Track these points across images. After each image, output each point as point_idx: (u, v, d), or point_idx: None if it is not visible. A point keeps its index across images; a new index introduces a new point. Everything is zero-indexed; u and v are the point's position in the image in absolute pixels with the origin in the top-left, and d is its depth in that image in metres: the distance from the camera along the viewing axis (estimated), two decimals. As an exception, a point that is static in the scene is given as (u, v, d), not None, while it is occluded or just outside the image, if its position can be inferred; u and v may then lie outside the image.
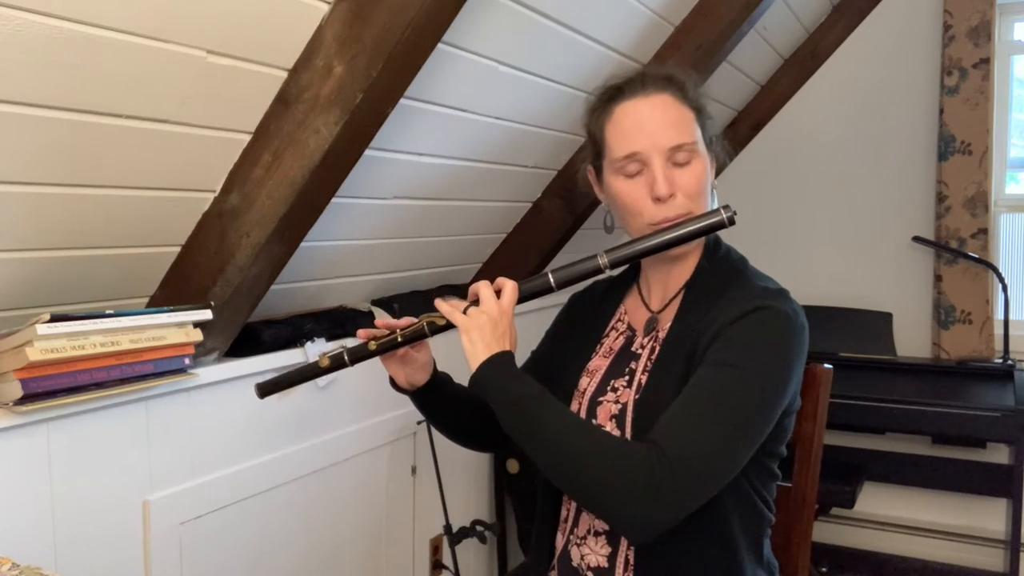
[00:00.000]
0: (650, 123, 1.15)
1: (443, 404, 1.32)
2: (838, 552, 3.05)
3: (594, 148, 1.24)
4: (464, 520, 2.40)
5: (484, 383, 1.11)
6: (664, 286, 1.24)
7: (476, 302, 1.15)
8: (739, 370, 1.07)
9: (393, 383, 1.29)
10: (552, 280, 1.14)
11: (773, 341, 1.09)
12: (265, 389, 1.26)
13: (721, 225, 1.12)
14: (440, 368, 1.32)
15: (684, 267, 1.22)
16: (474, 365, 1.11)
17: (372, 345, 1.19)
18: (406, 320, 1.21)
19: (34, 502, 1.31)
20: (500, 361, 1.10)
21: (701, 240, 1.22)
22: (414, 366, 1.26)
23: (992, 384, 2.67)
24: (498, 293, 1.14)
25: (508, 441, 1.33)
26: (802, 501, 1.41)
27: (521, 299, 1.16)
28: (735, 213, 1.11)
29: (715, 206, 1.18)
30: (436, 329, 1.18)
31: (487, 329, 1.11)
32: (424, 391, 1.28)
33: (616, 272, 1.24)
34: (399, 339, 1.19)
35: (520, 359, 1.15)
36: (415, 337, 1.19)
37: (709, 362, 1.09)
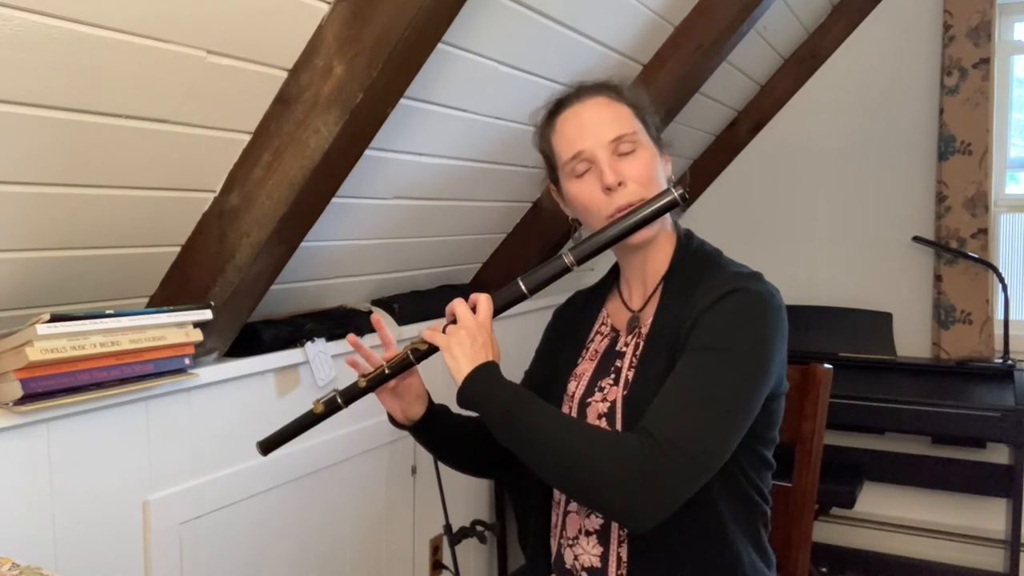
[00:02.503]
0: (589, 122, 1.20)
1: (443, 435, 1.33)
2: (838, 552, 3.05)
3: (548, 164, 1.28)
4: (464, 520, 2.40)
5: (471, 395, 1.12)
6: (643, 284, 1.26)
7: (454, 321, 1.16)
8: (719, 352, 1.08)
9: (392, 420, 1.30)
10: (523, 286, 1.17)
11: (750, 321, 1.11)
12: (267, 446, 1.26)
13: (674, 204, 1.14)
14: (444, 396, 1.32)
15: (659, 263, 1.24)
16: (459, 379, 1.12)
17: (362, 382, 1.21)
18: (390, 353, 1.22)
19: (34, 502, 1.31)
20: (484, 372, 1.12)
21: (672, 236, 1.25)
22: (408, 398, 1.26)
23: (992, 384, 2.67)
24: (474, 309, 1.16)
25: (511, 465, 1.34)
26: (802, 501, 1.41)
27: (497, 310, 1.18)
28: (687, 190, 1.13)
29: None
30: (421, 355, 1.19)
31: (467, 343, 1.13)
32: (422, 424, 1.29)
33: (590, 276, 1.25)
34: (387, 371, 1.20)
35: (507, 370, 1.16)
36: (402, 366, 1.20)
37: (690, 348, 1.10)
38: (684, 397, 1.06)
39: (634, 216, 1.15)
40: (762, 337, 1.11)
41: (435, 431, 1.31)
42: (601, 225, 1.19)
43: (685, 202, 1.13)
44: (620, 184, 1.16)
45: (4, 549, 1.20)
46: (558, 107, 1.25)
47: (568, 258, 1.15)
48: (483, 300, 1.17)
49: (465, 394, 1.12)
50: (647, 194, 1.17)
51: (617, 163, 1.18)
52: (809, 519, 1.42)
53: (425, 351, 1.19)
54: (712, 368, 1.08)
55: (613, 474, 1.02)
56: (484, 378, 1.11)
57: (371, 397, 1.26)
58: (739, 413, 1.08)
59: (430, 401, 1.29)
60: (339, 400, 1.21)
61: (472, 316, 1.15)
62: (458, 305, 1.17)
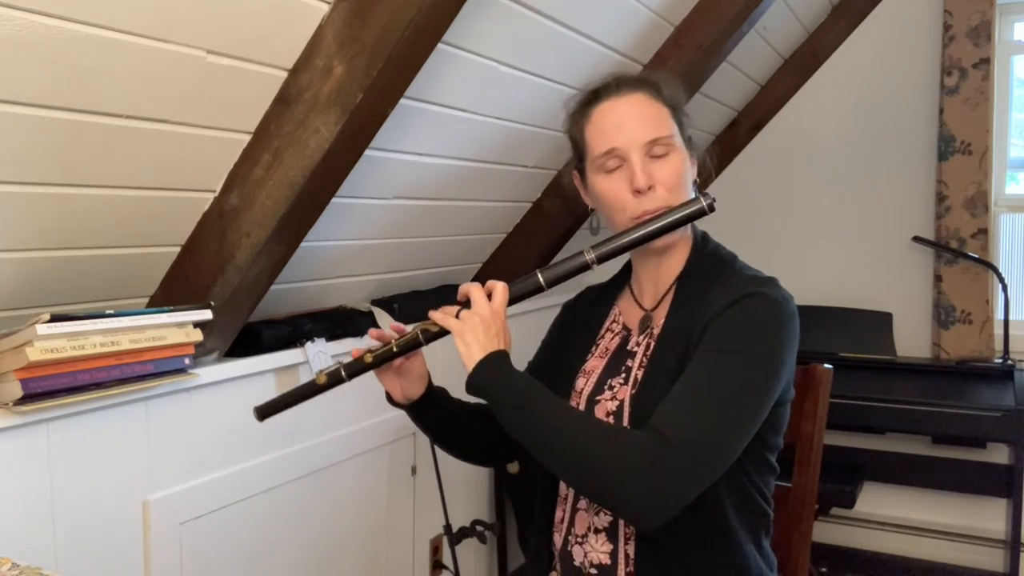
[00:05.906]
0: (627, 119, 1.18)
1: (441, 417, 1.32)
2: (838, 552, 3.05)
3: (576, 152, 1.27)
4: (464, 520, 2.40)
5: (480, 382, 1.11)
6: (655, 284, 1.26)
7: (466, 304, 1.15)
8: (732, 355, 1.08)
9: (390, 399, 1.30)
10: (541, 279, 1.15)
11: (763, 326, 1.11)
12: (264, 412, 1.26)
13: (702, 213, 1.13)
14: (444, 380, 1.32)
15: (673, 264, 1.24)
16: (470, 365, 1.12)
17: (368, 358, 1.20)
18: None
19: (34, 502, 1.31)
20: (495, 360, 1.11)
21: (689, 237, 1.24)
22: (409, 378, 1.26)
23: (992, 384, 2.67)
24: (489, 295, 1.15)
25: (510, 453, 1.34)
26: (802, 501, 1.41)
27: (512, 300, 1.16)
28: (714, 200, 1.12)
29: None
30: (430, 337, 1.18)
31: (480, 330, 1.12)
32: (420, 404, 1.28)
33: (599, 272, 1.24)
34: (394, 349, 1.19)
35: (516, 361, 1.15)
36: (410, 346, 1.19)
37: (703, 349, 1.10)
38: (694, 397, 1.06)
39: (660, 221, 1.14)
40: (774, 342, 1.11)
41: (432, 412, 1.31)
42: (624, 224, 1.18)
43: (712, 211, 1.12)
44: (650, 188, 1.16)
45: (4, 549, 1.20)
46: (595, 96, 1.22)
47: (589, 255, 1.15)
48: (500, 288, 1.16)
49: (475, 382, 1.11)
50: (674, 200, 1.17)
51: (649, 165, 1.16)
52: (809, 519, 1.42)
53: (436, 333, 1.17)
54: (723, 369, 1.08)
55: (621, 471, 1.02)
56: (495, 367, 1.11)
57: (375, 386, 1.26)
58: (747, 415, 1.08)
59: (429, 382, 1.29)
60: (343, 373, 1.21)
61: (487, 303, 1.14)
62: (473, 289, 1.15)
